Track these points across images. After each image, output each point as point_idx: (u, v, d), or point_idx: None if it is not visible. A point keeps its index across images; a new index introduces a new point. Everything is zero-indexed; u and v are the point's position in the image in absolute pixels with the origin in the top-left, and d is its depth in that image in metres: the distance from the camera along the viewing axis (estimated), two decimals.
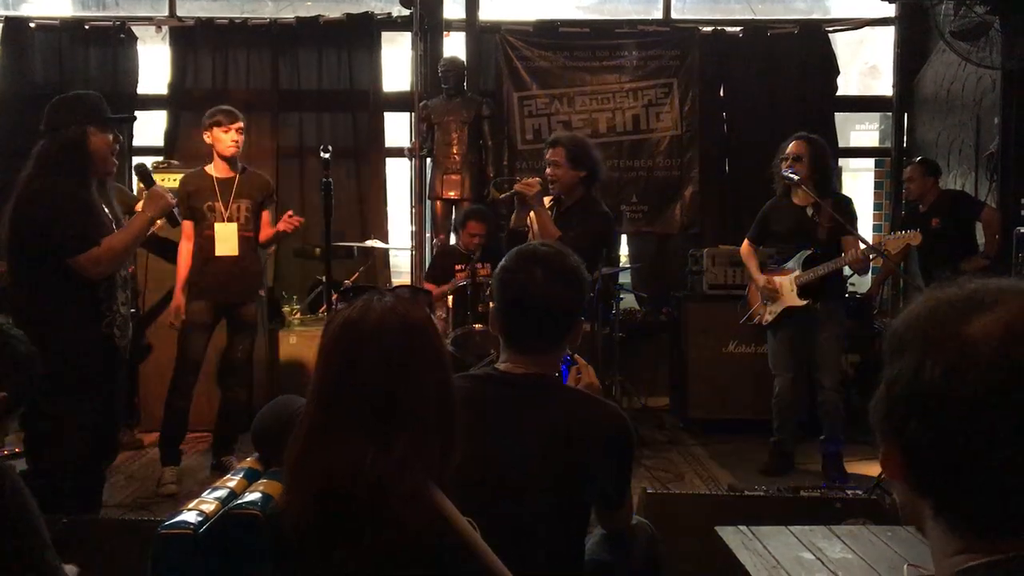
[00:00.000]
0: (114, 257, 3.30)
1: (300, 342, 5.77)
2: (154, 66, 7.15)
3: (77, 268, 3.20)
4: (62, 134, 3.23)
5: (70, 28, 7.04)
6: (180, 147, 6.85)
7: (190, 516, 1.64)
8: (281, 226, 4.75)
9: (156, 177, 3.87)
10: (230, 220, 4.68)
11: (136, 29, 7.06)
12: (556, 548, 1.94)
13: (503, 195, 4.62)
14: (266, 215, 4.85)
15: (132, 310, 4.67)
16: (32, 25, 7.03)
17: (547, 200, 4.45)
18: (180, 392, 4.69)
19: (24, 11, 7.41)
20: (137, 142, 7.03)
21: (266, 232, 4.85)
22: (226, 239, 4.67)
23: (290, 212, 4.81)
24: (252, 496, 1.65)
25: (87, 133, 3.26)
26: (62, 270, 3.19)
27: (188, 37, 7.05)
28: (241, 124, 4.69)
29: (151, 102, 7.12)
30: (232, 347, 4.83)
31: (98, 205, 3.35)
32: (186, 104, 6.98)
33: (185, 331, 4.69)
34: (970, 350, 0.88)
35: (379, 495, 1.47)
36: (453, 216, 6.48)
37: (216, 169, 4.73)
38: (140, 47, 7.06)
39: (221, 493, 1.78)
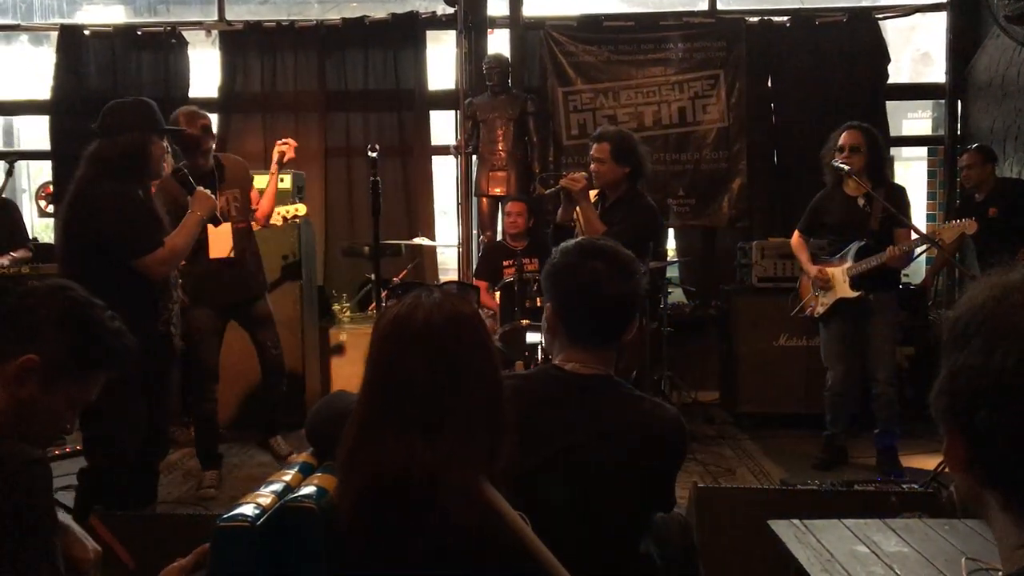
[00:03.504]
0: (176, 257, 3.38)
1: (350, 340, 5.85)
2: (205, 70, 7.29)
3: (142, 269, 3.26)
4: (124, 138, 3.28)
5: (123, 34, 7.20)
6: (231, 149, 6.94)
7: (247, 509, 1.67)
8: (283, 148, 4.57)
9: None
10: (222, 219, 4.40)
11: (187, 34, 7.19)
12: (620, 549, 1.94)
13: (548, 190, 4.61)
14: (254, 193, 4.68)
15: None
16: (86, 32, 7.20)
17: (592, 195, 4.44)
18: (205, 398, 4.63)
19: (79, 19, 7.60)
20: None
21: (262, 208, 4.67)
22: (220, 241, 4.44)
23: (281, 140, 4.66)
24: (307, 489, 1.68)
25: (150, 140, 3.32)
26: (120, 270, 3.24)
27: (237, 41, 7.17)
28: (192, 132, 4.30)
29: (202, 105, 7.14)
30: (261, 347, 4.75)
31: (156, 208, 3.42)
32: (237, 107, 7.11)
33: (196, 340, 4.51)
34: None
35: (430, 489, 1.48)
36: (499, 212, 6.51)
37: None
38: (191, 51, 7.20)
39: (277, 487, 1.81)
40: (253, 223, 4.73)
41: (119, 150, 3.27)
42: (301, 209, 5.09)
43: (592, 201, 4.42)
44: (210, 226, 4.36)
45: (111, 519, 2.17)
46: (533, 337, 4.56)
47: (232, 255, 4.49)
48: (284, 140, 4.68)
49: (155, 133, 3.35)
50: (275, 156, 4.68)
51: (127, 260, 3.23)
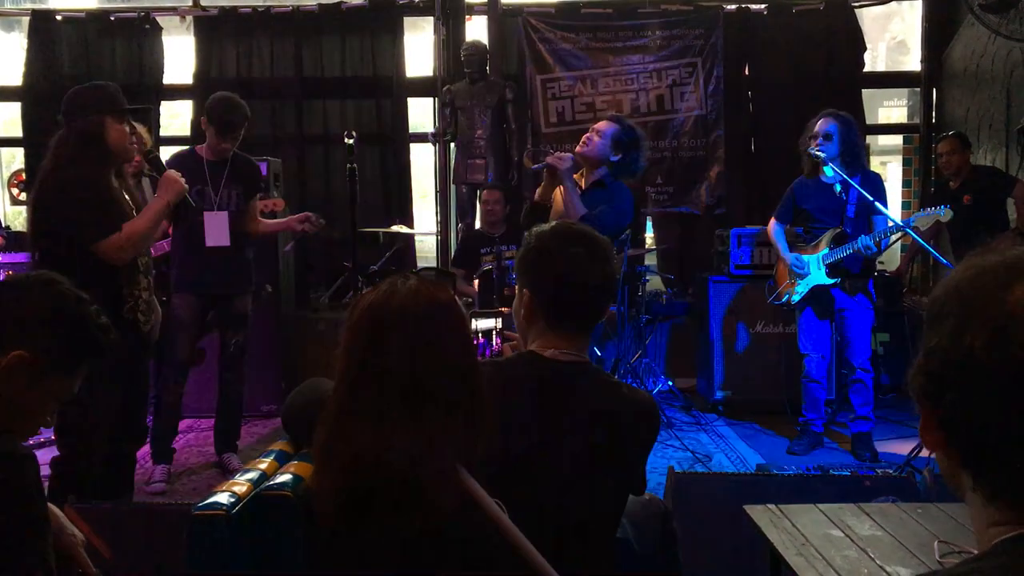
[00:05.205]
0: (135, 242, 3.33)
1: (327, 327, 5.82)
2: (179, 56, 7.22)
3: (99, 254, 3.24)
4: (79, 124, 3.27)
5: (96, 20, 7.11)
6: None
7: (223, 498, 1.67)
8: (307, 227, 4.63)
9: None
10: (220, 208, 4.41)
11: (161, 19, 7.11)
12: (597, 534, 1.95)
13: (536, 165, 4.58)
14: (254, 207, 4.60)
15: (164, 298, 4.71)
16: (58, 17, 7.11)
17: (576, 176, 4.40)
18: (168, 389, 4.45)
19: (50, 3, 7.50)
20: (164, 132, 7.10)
21: (261, 227, 4.64)
22: (217, 229, 4.38)
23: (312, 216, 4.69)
24: (283, 478, 1.67)
25: (104, 123, 3.29)
26: (85, 257, 3.22)
27: (212, 26, 7.09)
28: (235, 136, 4.45)
29: (177, 92, 7.19)
30: (225, 343, 4.61)
31: (117, 192, 3.38)
32: (212, 93, 6.99)
33: (171, 327, 4.35)
34: (1010, 320, 0.86)
35: (407, 476, 1.48)
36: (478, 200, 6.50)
37: (208, 151, 4.47)
38: (165, 37, 7.12)
39: (253, 475, 1.80)
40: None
41: (76, 135, 3.25)
42: (280, 204, 5.05)
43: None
44: (206, 213, 4.36)
45: (86, 510, 2.16)
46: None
47: (229, 244, 4.42)
48: (315, 219, 4.65)
49: (112, 115, 3.32)
50: (299, 221, 4.66)
51: (84, 245, 3.21)
